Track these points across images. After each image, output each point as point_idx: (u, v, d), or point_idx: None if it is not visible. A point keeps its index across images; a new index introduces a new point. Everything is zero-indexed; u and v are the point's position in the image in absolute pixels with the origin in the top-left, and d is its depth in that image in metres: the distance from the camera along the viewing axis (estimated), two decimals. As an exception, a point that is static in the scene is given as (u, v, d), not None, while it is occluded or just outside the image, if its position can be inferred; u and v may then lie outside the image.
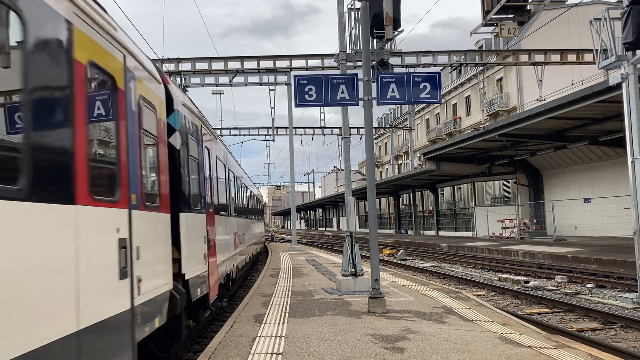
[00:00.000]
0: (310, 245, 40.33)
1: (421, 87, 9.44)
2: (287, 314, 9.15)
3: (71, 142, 3.73)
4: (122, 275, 4.62)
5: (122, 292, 4.63)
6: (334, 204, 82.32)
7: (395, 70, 20.62)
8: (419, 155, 48.28)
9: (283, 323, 8.30)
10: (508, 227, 32.98)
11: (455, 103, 54.02)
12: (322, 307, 9.81)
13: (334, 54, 16.30)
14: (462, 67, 39.13)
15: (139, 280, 5.05)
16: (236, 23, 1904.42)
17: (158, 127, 6.20)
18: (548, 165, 32.95)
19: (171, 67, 27.94)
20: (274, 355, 6.33)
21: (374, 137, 70.87)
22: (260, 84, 29.63)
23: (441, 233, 45.60)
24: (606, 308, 11.40)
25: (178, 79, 28.12)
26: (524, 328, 8.04)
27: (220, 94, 39.02)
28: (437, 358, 6.12)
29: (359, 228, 58.38)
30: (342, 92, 9.50)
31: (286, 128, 37.83)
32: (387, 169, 75.68)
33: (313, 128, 47.06)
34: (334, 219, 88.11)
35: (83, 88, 4.00)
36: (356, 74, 9.83)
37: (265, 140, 46.39)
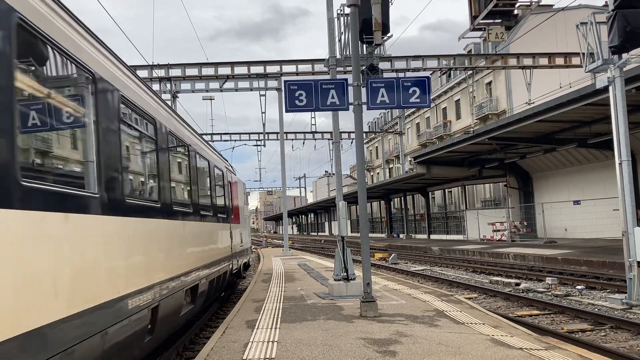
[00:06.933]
0: (302, 250, 40.29)
1: (411, 91, 9.50)
2: (279, 319, 9.14)
3: (227, 204, 13.78)
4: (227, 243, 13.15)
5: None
6: (326, 208, 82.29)
7: (385, 74, 20.68)
8: (409, 159, 48.45)
9: (275, 328, 8.30)
10: (499, 230, 33.13)
11: (445, 107, 54.30)
12: (315, 311, 9.81)
13: (324, 59, 16.32)
14: (452, 71, 39.32)
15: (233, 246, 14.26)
16: (224, 26, 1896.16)
17: (234, 191, 15.71)
18: (538, 167, 33.18)
19: (161, 73, 27.80)
20: (267, 360, 6.33)
21: (365, 141, 71.16)
22: (251, 90, 29.61)
23: (432, 236, 45.74)
24: (596, 309, 11.49)
25: (168, 85, 28.02)
26: (515, 330, 8.09)
27: (211, 99, 38.98)
28: (429, 361, 6.14)
29: (351, 232, 58.37)
30: (333, 97, 9.54)
31: (277, 133, 37.82)
32: (378, 173, 75.86)
33: (304, 133, 47.02)
34: (326, 224, 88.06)
35: (224, 185, 13.85)
36: (346, 79, 9.87)
37: (257, 145, 46.35)
